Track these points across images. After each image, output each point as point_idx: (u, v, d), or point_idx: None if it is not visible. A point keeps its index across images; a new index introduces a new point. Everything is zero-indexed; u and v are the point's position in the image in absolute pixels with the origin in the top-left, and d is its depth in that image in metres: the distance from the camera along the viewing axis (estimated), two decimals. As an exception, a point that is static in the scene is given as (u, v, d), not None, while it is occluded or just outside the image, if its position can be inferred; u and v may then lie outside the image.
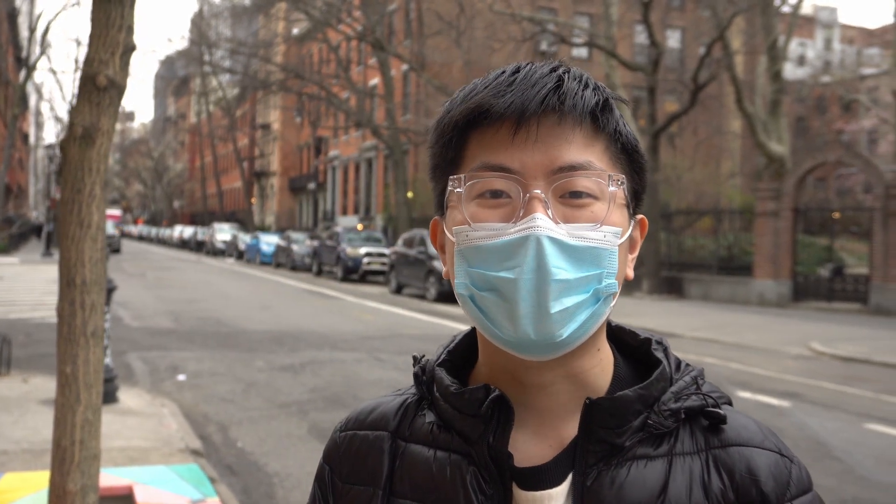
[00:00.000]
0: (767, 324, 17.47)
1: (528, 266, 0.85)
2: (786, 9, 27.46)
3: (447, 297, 20.99)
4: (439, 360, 1.02)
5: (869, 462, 6.80)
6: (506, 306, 0.87)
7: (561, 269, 0.86)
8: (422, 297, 22.31)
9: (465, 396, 0.94)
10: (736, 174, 44.00)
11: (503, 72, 0.93)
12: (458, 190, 0.91)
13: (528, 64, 0.93)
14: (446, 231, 0.95)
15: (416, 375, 1.04)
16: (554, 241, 0.86)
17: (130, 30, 3.13)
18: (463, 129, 0.92)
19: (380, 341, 13.22)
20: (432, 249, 21.89)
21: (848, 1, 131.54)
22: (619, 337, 1.02)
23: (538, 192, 0.87)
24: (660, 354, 0.98)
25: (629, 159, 0.95)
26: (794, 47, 51.35)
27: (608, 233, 0.89)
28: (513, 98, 0.88)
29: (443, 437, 0.96)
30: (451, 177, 0.93)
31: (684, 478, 0.90)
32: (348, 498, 1.01)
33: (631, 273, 0.96)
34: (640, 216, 0.98)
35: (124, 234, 63.70)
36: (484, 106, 0.89)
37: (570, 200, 0.89)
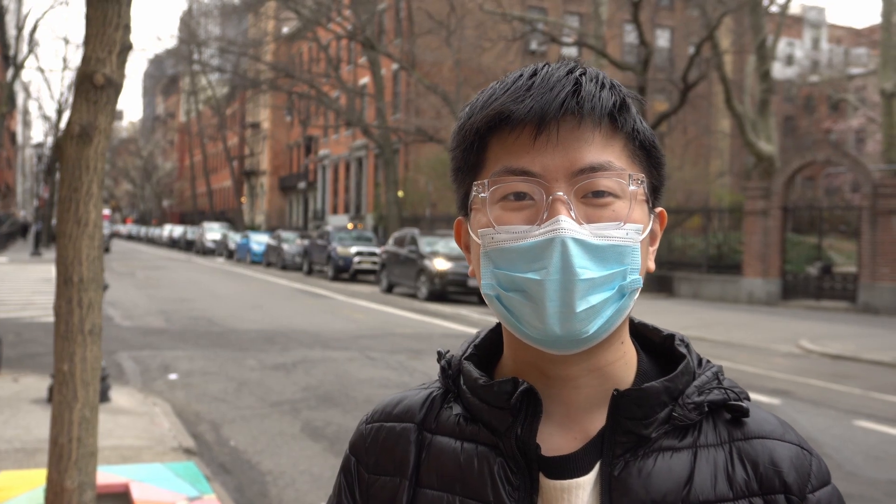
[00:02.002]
0: (757, 322, 17.55)
1: (553, 267, 0.88)
2: (774, 9, 27.61)
3: (438, 296, 21.02)
4: (466, 354, 1.05)
5: (858, 458, 6.86)
6: (532, 306, 0.90)
7: (586, 268, 0.88)
8: (413, 296, 22.31)
9: (493, 389, 0.96)
10: (725, 173, 44.19)
11: (521, 75, 0.95)
12: (483, 195, 0.94)
13: (544, 65, 0.96)
14: (471, 232, 0.97)
15: (442, 369, 1.06)
16: (578, 241, 0.88)
17: (127, 28, 3.15)
18: (484, 134, 0.95)
19: (371, 340, 13.23)
20: (424, 248, 21.91)
21: (836, 1, 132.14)
22: (641, 333, 1.05)
23: (561, 193, 0.90)
24: (683, 350, 1.01)
25: (647, 155, 0.97)
26: (782, 47, 51.59)
27: (630, 230, 0.91)
28: (532, 103, 0.91)
29: (470, 429, 0.99)
30: (475, 182, 0.95)
31: (709, 469, 0.93)
32: (375, 488, 1.03)
33: (652, 265, 0.99)
34: (659, 209, 1.01)
35: (115, 234, 63.02)
36: (504, 112, 0.92)
37: (592, 200, 0.91)
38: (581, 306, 0.88)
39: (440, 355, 1.08)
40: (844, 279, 21.99)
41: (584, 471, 0.94)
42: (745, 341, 14.22)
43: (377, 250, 27.28)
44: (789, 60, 57.33)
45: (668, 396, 0.95)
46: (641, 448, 0.93)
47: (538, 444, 0.94)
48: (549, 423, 0.97)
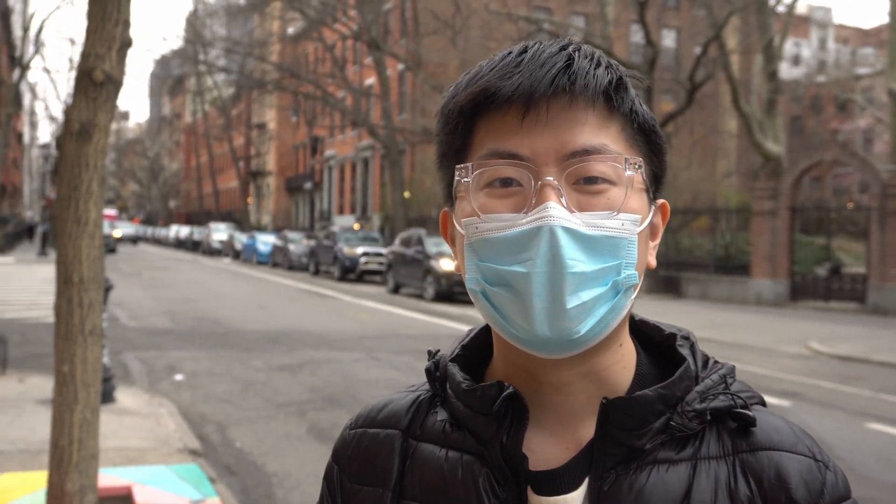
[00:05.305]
0: (765, 323, 17.46)
1: (541, 259, 0.80)
2: (781, 8, 27.48)
3: (445, 296, 20.97)
4: (453, 356, 0.97)
5: (869, 461, 6.78)
6: (519, 302, 0.82)
7: (577, 260, 0.80)
8: (419, 296, 22.27)
9: (477, 394, 0.89)
10: (732, 173, 44.08)
11: (510, 52, 0.87)
12: (466, 180, 0.86)
13: (535, 43, 0.88)
14: (456, 223, 0.89)
15: (428, 371, 0.99)
16: (568, 231, 0.80)
17: (127, 24, 3.09)
18: (469, 114, 0.87)
19: (377, 341, 13.18)
20: (430, 249, 21.86)
21: (843, 1, 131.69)
22: (642, 331, 0.97)
23: (550, 179, 0.82)
24: (685, 351, 0.92)
25: (647, 140, 0.89)
26: (789, 47, 51.43)
27: (626, 221, 0.83)
28: (520, 80, 0.83)
29: (455, 437, 0.91)
30: (457, 166, 0.88)
31: (709, 484, 0.85)
32: (357, 499, 0.97)
33: (653, 261, 0.91)
34: (661, 201, 0.92)
35: (128, 240, 61.68)
36: (490, 89, 0.84)
37: (585, 187, 0.83)
38: (571, 302, 0.80)
39: (430, 354, 1.01)
40: (853, 280, 21.87)
41: (573, 486, 0.87)
42: (754, 342, 14.13)
43: (383, 251, 27.24)
44: (796, 60, 57.20)
45: (663, 404, 0.86)
46: (634, 460, 0.86)
47: (525, 456, 0.87)
48: (539, 432, 0.89)
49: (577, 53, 0.85)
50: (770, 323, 17.49)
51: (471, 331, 1.01)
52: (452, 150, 0.90)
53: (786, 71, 46.22)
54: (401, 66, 40.23)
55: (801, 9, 53.44)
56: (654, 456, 0.86)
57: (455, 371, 0.94)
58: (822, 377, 10.85)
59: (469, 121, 0.87)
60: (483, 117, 0.86)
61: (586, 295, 0.81)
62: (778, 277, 22.28)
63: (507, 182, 0.84)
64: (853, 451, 7.03)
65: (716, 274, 24.33)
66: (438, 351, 1.01)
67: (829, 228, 24.14)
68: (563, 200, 0.82)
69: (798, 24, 52.06)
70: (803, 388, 9.97)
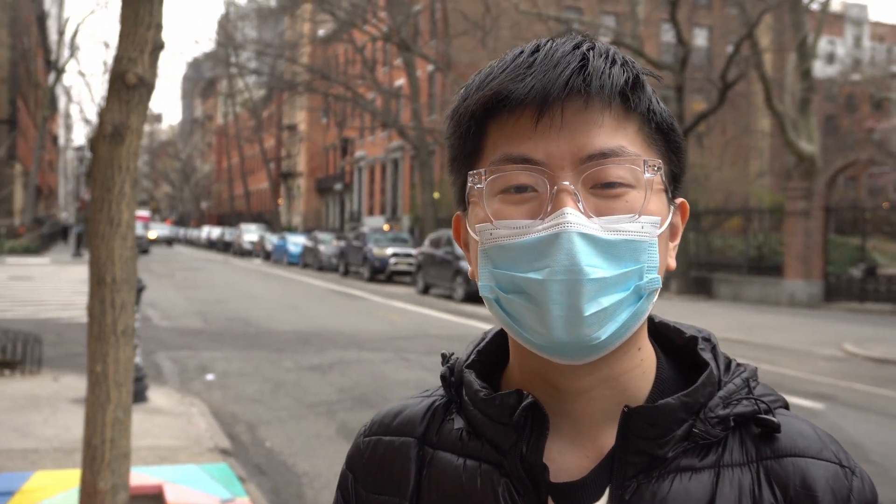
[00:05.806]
0: (798, 324, 17.25)
1: (558, 266, 0.78)
2: (815, 6, 27.12)
3: (474, 297, 20.92)
4: (468, 361, 0.95)
5: (906, 465, 6.67)
6: (535, 310, 0.80)
7: (595, 267, 0.78)
8: (449, 297, 22.28)
9: (495, 402, 0.87)
10: (765, 173, 43.61)
11: (521, 51, 0.85)
12: (479, 186, 0.84)
13: (548, 41, 0.85)
14: (469, 229, 0.88)
15: (443, 377, 0.97)
16: (586, 237, 0.78)
17: (159, 28, 3.13)
18: (481, 118, 0.85)
19: (407, 341, 13.20)
20: (459, 250, 21.71)
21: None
22: (662, 334, 0.95)
23: (566, 183, 0.80)
24: (707, 355, 0.90)
25: (665, 139, 0.86)
26: (823, 45, 50.78)
27: (646, 223, 0.81)
28: (534, 81, 0.81)
29: (473, 445, 0.89)
30: (470, 172, 0.85)
31: (733, 492, 0.82)
32: None
33: (673, 263, 0.89)
34: (679, 200, 0.90)
35: (163, 241, 61.77)
36: (502, 92, 0.82)
37: (603, 191, 0.81)
38: (590, 309, 0.79)
39: (444, 358, 0.99)
40: (889, 281, 21.54)
41: (595, 496, 0.85)
42: (787, 344, 13.97)
43: (413, 251, 27.30)
44: (830, 58, 56.50)
45: (685, 412, 0.85)
46: (656, 469, 0.83)
47: (546, 467, 0.85)
48: (559, 440, 0.88)
49: (591, 52, 0.83)
50: (804, 324, 17.29)
51: (486, 334, 0.99)
52: (464, 154, 0.88)
53: (820, 69, 45.66)
54: (430, 67, 40.29)
55: (835, 6, 52.78)
56: (676, 464, 0.84)
57: (472, 378, 0.92)
58: (856, 380, 10.69)
59: (481, 124, 0.85)
60: (495, 120, 0.84)
61: (606, 301, 0.79)
62: (812, 278, 22.02)
63: (521, 188, 0.82)
64: (888, 456, 6.92)
65: (748, 275, 24.10)
66: (453, 354, 0.99)
67: (864, 228, 23.80)
68: (580, 206, 0.80)
69: (832, 21, 51.40)
70: (837, 391, 9.84)
